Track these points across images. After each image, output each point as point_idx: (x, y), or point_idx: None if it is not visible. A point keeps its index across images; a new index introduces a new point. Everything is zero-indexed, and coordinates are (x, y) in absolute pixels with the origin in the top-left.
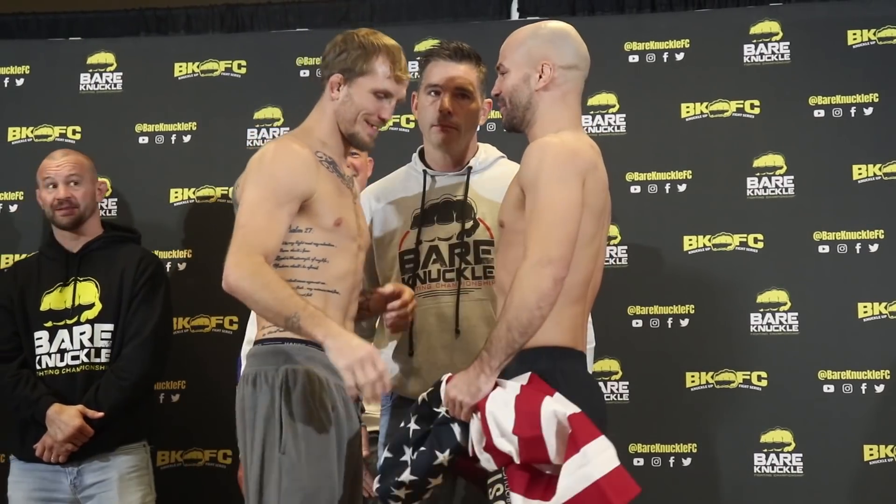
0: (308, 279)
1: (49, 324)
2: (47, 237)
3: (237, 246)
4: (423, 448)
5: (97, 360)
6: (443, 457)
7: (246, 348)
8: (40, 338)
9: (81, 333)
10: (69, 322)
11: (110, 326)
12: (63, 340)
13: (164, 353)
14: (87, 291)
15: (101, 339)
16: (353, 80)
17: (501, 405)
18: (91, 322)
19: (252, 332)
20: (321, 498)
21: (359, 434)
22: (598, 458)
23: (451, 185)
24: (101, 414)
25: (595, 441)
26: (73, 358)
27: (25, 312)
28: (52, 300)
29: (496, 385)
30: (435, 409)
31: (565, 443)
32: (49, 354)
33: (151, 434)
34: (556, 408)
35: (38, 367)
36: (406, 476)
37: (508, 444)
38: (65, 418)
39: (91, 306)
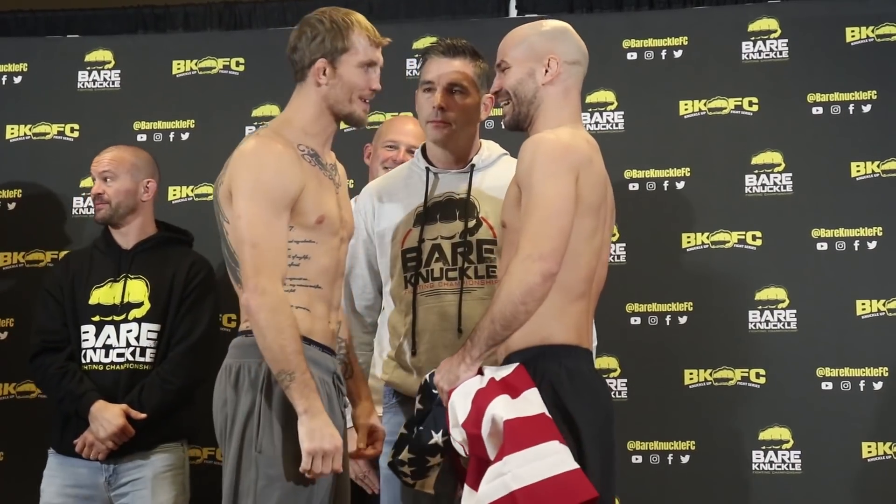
0: (291, 276)
1: (96, 318)
2: (102, 231)
3: (255, 268)
4: (421, 427)
5: (142, 360)
6: (437, 437)
7: None
8: (87, 331)
9: (128, 331)
10: (117, 319)
11: (157, 327)
12: (109, 336)
13: (209, 358)
14: (137, 290)
15: (147, 339)
16: (336, 59)
17: (463, 396)
18: (139, 321)
19: None
20: (299, 495)
21: (342, 426)
22: (521, 469)
23: (453, 183)
24: (143, 415)
25: (526, 450)
26: (119, 355)
27: (74, 304)
28: (101, 295)
29: (480, 372)
30: (434, 391)
31: (497, 448)
32: (94, 349)
33: (191, 434)
34: (497, 411)
35: (83, 360)
36: (405, 454)
37: (459, 436)
38: (108, 416)
39: (140, 305)
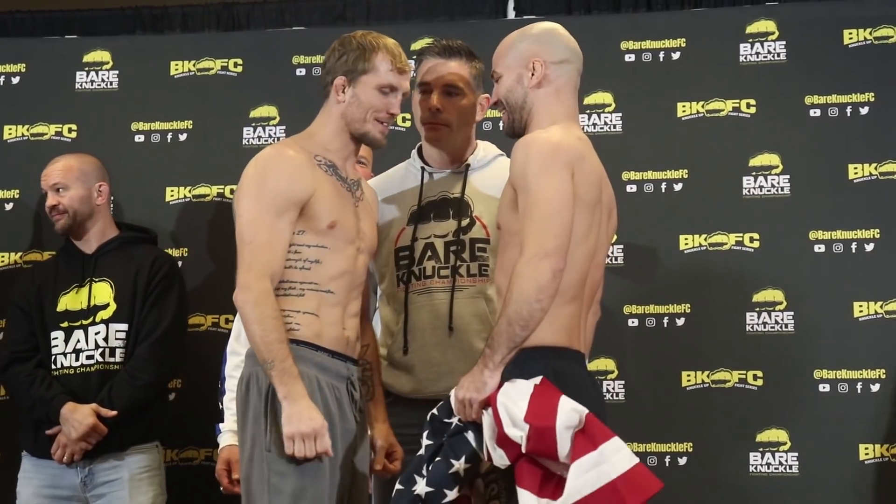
0: (301, 280)
1: (65, 324)
2: (65, 240)
3: (246, 265)
4: (438, 459)
5: (112, 360)
6: (458, 464)
7: (233, 343)
8: (56, 338)
9: (96, 333)
10: (84, 322)
11: (124, 326)
12: (78, 340)
13: (177, 352)
14: (102, 292)
15: (116, 339)
16: (356, 79)
17: (516, 397)
18: (106, 322)
19: (238, 327)
20: (310, 494)
21: (355, 431)
22: (615, 457)
23: (448, 183)
24: (114, 413)
25: (611, 440)
26: (88, 358)
27: (42, 313)
28: (68, 301)
29: (505, 382)
30: (446, 421)
31: (574, 441)
32: (65, 354)
33: (164, 434)
34: (575, 405)
35: (53, 366)
36: (421, 487)
37: (518, 432)
38: (78, 417)
39: (106, 306)
